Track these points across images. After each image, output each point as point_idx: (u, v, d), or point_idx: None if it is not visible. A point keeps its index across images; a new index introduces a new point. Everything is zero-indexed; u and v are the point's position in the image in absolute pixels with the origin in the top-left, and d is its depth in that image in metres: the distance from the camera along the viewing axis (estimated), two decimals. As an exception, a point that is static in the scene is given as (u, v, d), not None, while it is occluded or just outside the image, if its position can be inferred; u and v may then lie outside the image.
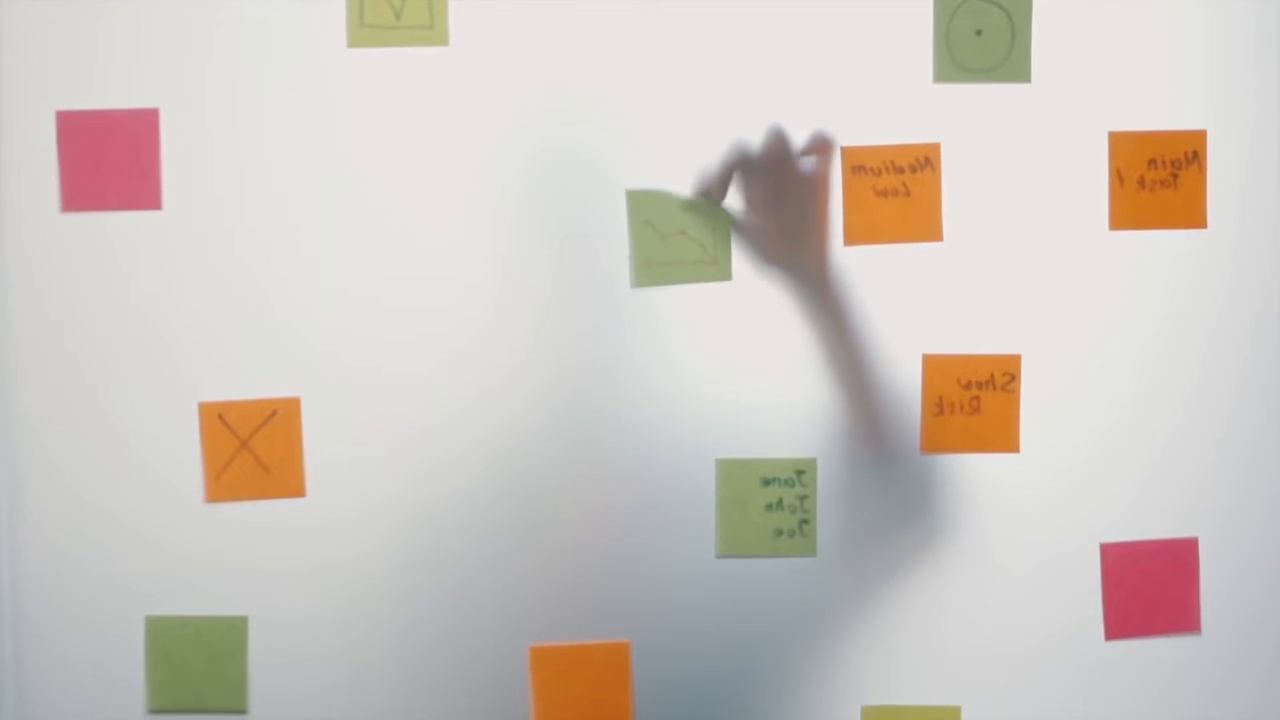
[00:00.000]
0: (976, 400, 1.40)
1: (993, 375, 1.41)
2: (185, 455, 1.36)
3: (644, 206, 1.38)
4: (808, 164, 1.38)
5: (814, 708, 1.41)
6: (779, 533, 1.39)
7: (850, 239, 1.39)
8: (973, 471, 1.41)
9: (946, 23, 1.39)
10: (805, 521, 1.40)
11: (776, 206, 1.38)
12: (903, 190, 1.39)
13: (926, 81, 1.40)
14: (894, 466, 1.39)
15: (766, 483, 1.39)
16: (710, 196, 1.37)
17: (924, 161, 1.40)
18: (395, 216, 1.38)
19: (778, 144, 1.37)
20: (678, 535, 1.39)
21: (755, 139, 1.37)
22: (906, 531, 1.40)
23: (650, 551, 1.39)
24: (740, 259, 1.38)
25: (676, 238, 1.39)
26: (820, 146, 1.37)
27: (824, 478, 1.40)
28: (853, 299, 1.39)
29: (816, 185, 1.38)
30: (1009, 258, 1.41)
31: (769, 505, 1.39)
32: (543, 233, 1.39)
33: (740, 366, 1.40)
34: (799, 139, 1.38)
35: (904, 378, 1.40)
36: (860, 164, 1.39)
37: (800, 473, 1.39)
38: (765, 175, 1.38)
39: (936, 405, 1.40)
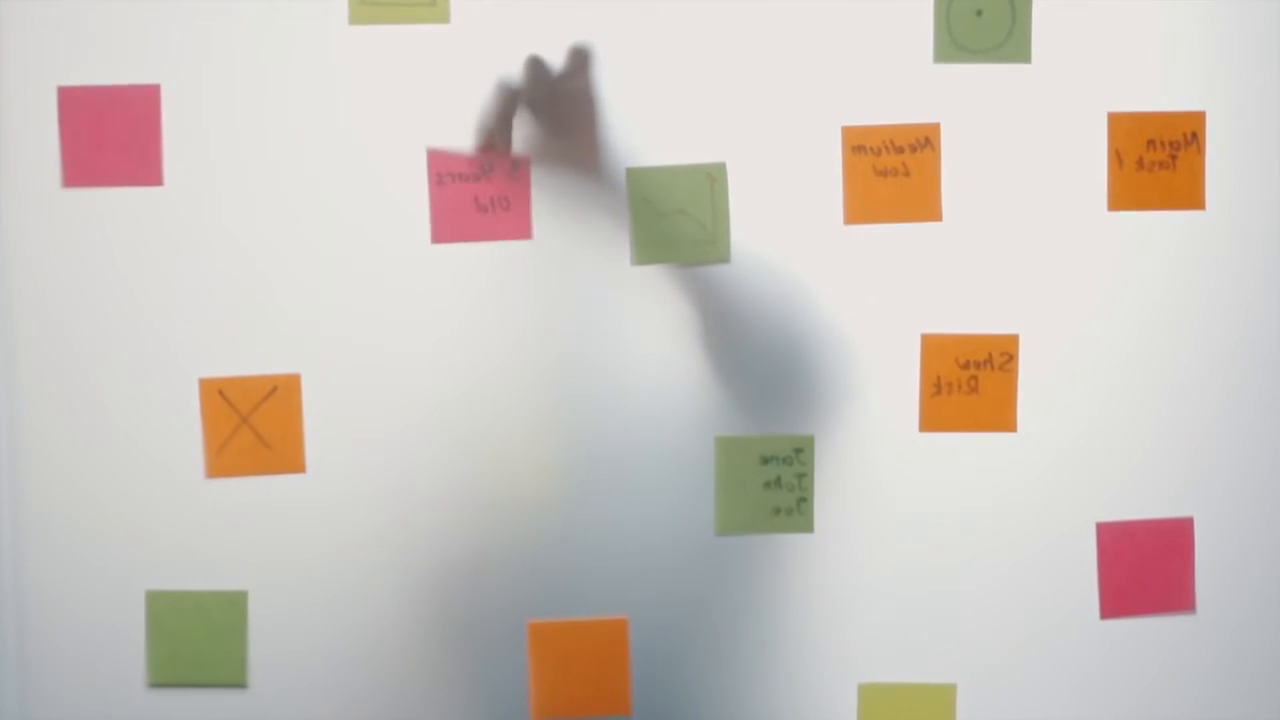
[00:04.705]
0: (974, 380, 1.41)
1: (991, 355, 1.41)
2: (186, 431, 1.37)
3: (643, 185, 1.39)
4: (573, 82, 1.38)
5: (810, 685, 1.42)
6: (777, 510, 1.40)
7: (850, 218, 1.40)
8: (970, 451, 1.41)
9: (947, 3, 1.40)
10: (803, 499, 1.40)
11: (556, 130, 1.38)
12: (902, 170, 1.40)
13: (927, 61, 1.40)
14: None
15: (765, 460, 1.40)
16: (495, 142, 1.37)
17: (924, 141, 1.40)
18: (396, 193, 1.38)
19: (536, 70, 1.37)
20: (676, 513, 1.40)
21: (516, 73, 1.37)
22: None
23: (648, 529, 1.40)
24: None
25: (676, 216, 1.39)
26: (577, 61, 1.37)
27: (822, 455, 1.40)
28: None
29: (582, 98, 1.38)
30: (1008, 238, 1.42)
31: (767, 483, 1.40)
32: (543, 209, 1.39)
33: (739, 344, 1.40)
34: (556, 61, 1.37)
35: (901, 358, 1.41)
36: (860, 144, 1.39)
37: (798, 450, 1.40)
38: (537, 105, 1.38)
39: (935, 385, 1.41)
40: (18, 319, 1.37)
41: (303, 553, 1.38)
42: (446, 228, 1.38)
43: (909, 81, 1.40)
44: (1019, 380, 1.41)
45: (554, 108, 1.37)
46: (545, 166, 1.37)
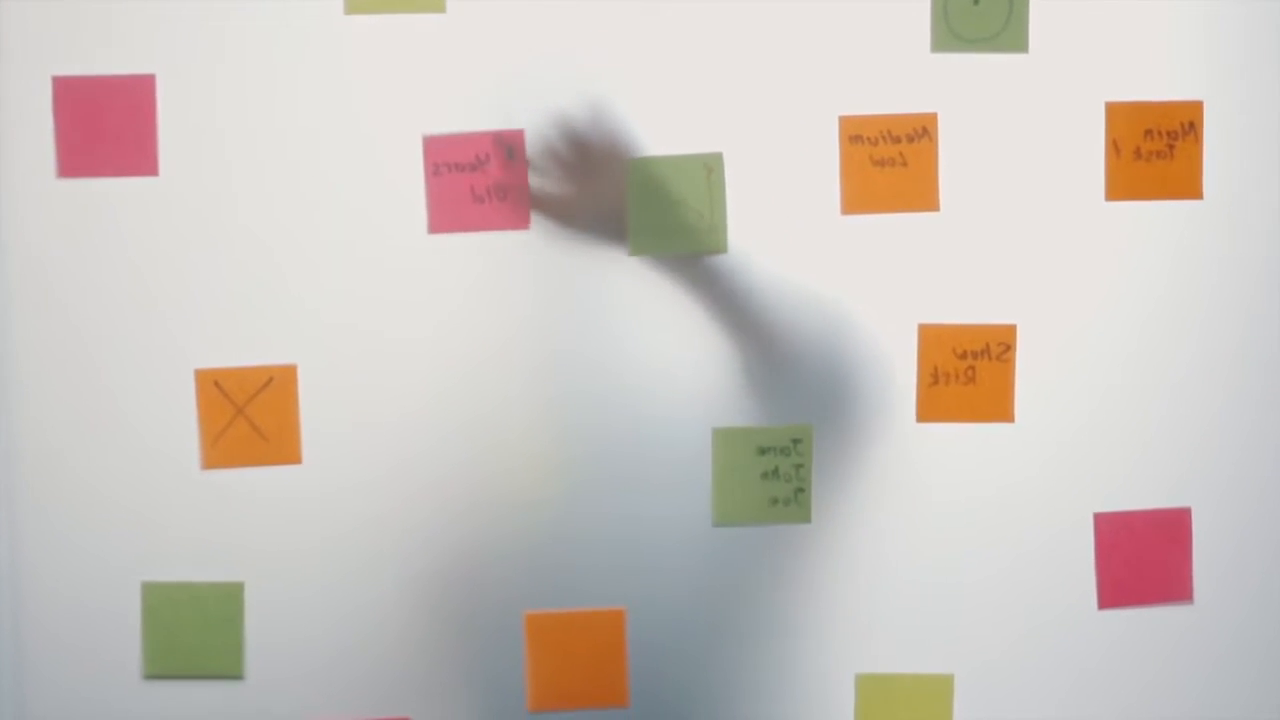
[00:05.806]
0: (972, 370, 1.41)
1: (988, 345, 1.41)
2: (182, 422, 1.36)
3: (640, 175, 1.38)
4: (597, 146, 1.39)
5: (808, 675, 1.42)
6: (774, 501, 1.40)
7: (847, 208, 1.40)
8: (967, 441, 1.41)
9: (944, -8, 1.40)
10: (800, 490, 1.40)
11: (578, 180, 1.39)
12: (899, 160, 1.40)
13: (924, 51, 1.40)
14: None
15: (762, 451, 1.39)
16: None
17: (921, 131, 1.40)
18: (392, 183, 1.38)
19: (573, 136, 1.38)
20: (674, 503, 1.40)
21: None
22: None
23: (646, 519, 1.40)
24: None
25: (673, 207, 1.39)
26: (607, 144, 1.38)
27: (819, 446, 1.40)
28: None
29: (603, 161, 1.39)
30: (1005, 228, 1.42)
31: (765, 474, 1.40)
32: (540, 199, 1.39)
33: (744, 341, 1.40)
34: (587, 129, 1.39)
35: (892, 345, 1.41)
36: (857, 133, 1.39)
37: (796, 441, 1.40)
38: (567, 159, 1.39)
39: (932, 375, 1.41)
40: (13, 309, 1.36)
41: (299, 544, 1.38)
42: (443, 218, 1.37)
43: (906, 71, 1.40)
44: (1016, 371, 1.41)
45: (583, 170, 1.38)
46: (568, 226, 1.38)
